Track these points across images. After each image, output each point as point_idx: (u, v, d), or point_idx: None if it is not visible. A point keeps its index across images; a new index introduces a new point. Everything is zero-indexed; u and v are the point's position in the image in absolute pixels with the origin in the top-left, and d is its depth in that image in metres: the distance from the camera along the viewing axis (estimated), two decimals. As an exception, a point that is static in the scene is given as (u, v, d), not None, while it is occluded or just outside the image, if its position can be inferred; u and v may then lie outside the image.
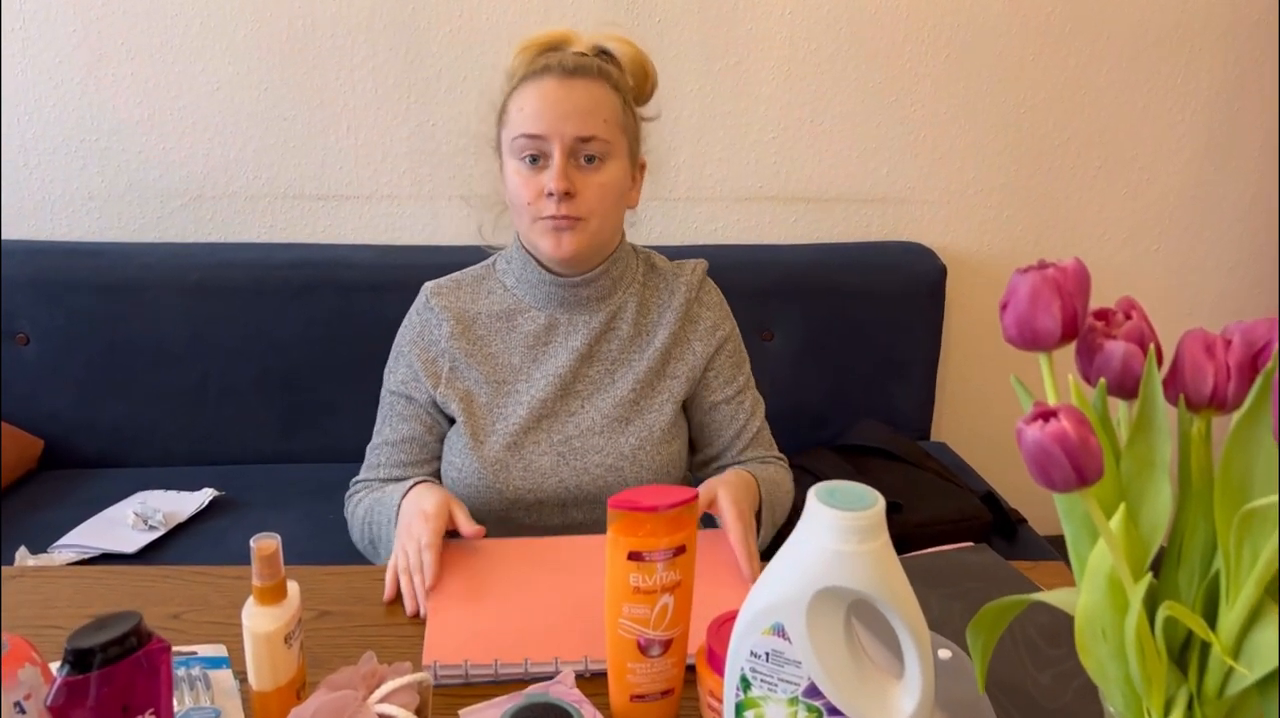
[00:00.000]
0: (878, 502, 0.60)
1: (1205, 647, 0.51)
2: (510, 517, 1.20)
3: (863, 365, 2.06)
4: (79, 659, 0.63)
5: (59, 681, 0.63)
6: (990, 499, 1.79)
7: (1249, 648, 0.48)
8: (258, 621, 0.75)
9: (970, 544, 1.08)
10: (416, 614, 0.98)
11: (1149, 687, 0.51)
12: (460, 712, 0.81)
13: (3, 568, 1.04)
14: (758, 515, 1.19)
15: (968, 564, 1.03)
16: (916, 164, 2.15)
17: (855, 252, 2.12)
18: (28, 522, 1.69)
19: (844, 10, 2.02)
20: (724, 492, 1.09)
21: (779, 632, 0.63)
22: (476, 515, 1.20)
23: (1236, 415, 0.49)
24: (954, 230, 2.20)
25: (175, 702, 0.80)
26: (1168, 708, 0.52)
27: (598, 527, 1.20)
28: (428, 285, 1.27)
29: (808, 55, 2.05)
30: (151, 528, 1.64)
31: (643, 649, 0.79)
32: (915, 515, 1.67)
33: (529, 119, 1.12)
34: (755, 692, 0.65)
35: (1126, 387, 0.52)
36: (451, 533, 1.08)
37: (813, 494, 0.61)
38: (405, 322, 1.27)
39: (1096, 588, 0.51)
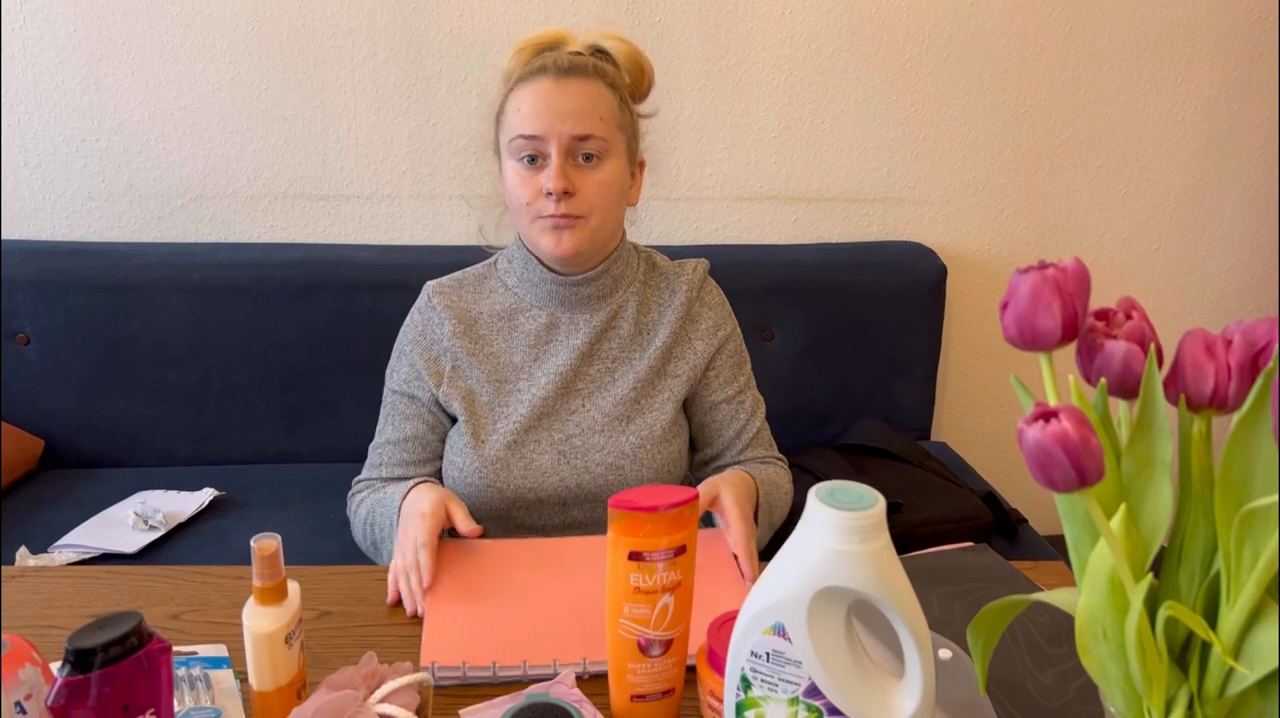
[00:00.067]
0: (878, 502, 0.60)
1: (1206, 647, 0.51)
2: (511, 515, 1.20)
3: (863, 365, 2.06)
4: (80, 659, 0.63)
5: (60, 680, 0.63)
6: (991, 499, 1.79)
7: (1249, 648, 0.48)
8: (258, 621, 0.75)
9: (971, 544, 1.08)
10: (416, 615, 0.98)
11: (1150, 687, 0.51)
12: (461, 712, 0.81)
13: (3, 568, 1.04)
14: (755, 516, 1.19)
15: (968, 564, 1.03)
16: (917, 164, 2.15)
17: (856, 251, 2.12)
18: (28, 522, 1.69)
19: (844, 10, 2.02)
20: (727, 491, 1.09)
21: (780, 632, 0.63)
22: (477, 514, 1.20)
23: (1237, 416, 0.49)
24: (954, 230, 2.20)
25: (176, 702, 0.80)
26: (1168, 708, 0.52)
27: (598, 526, 1.20)
28: (429, 285, 1.27)
29: (808, 55, 2.05)
30: (152, 528, 1.64)
31: (643, 649, 0.79)
32: (916, 515, 1.67)
33: (525, 120, 1.13)
34: (756, 692, 0.65)
35: (1127, 387, 0.52)
36: (454, 532, 1.08)
37: (813, 494, 0.61)
38: (407, 321, 1.28)
39: (1097, 588, 0.51)
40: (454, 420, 1.24)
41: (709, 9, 2.00)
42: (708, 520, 1.14)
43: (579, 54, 1.17)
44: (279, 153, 2.01)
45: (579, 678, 0.87)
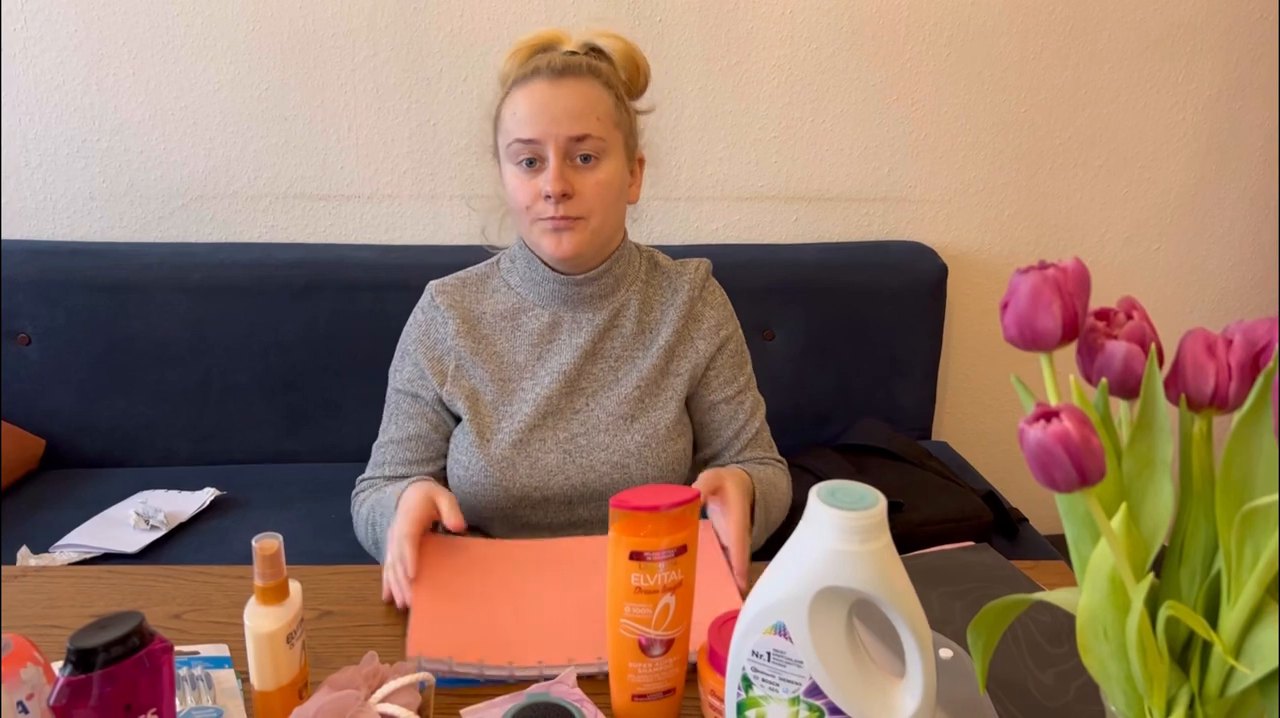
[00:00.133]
0: (879, 502, 0.60)
1: (1207, 646, 0.51)
2: (516, 514, 1.20)
3: (864, 365, 2.06)
4: (81, 659, 0.63)
5: (62, 680, 0.63)
6: (991, 498, 1.79)
7: (1250, 647, 0.48)
8: (259, 620, 0.75)
9: (971, 544, 1.08)
10: (405, 607, 0.98)
11: (1150, 686, 0.51)
12: (462, 712, 0.81)
13: (5, 568, 1.04)
14: (751, 515, 1.19)
15: (969, 564, 1.03)
16: (917, 163, 2.15)
17: (856, 251, 2.12)
18: (29, 522, 1.69)
19: (844, 10, 2.02)
20: (731, 479, 1.10)
21: (781, 631, 0.63)
22: (483, 513, 1.20)
23: (1238, 415, 0.49)
24: (955, 230, 2.20)
25: (177, 701, 0.80)
26: (1169, 707, 0.52)
27: (603, 524, 1.21)
28: (432, 284, 1.27)
29: (808, 55, 2.05)
30: (153, 528, 1.65)
31: (644, 649, 0.79)
32: (916, 515, 1.67)
33: (521, 123, 1.13)
34: (757, 691, 0.65)
35: (1128, 387, 0.52)
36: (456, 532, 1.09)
37: (814, 494, 0.61)
38: (410, 320, 1.28)
39: (1098, 588, 0.51)
40: (458, 420, 1.24)
41: (709, 8, 2.00)
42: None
43: (574, 53, 1.17)
44: (280, 153, 2.01)
45: (580, 678, 0.87)
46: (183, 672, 0.85)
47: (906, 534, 1.59)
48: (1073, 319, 0.50)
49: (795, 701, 0.64)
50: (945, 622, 0.92)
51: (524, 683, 0.87)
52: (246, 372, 1.93)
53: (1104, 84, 2.13)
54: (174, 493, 1.78)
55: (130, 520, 1.65)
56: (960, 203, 2.18)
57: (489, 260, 1.30)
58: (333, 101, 1.99)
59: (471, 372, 1.22)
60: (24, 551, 1.56)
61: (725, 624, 0.79)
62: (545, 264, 1.21)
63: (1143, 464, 0.52)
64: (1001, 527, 1.76)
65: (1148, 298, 2.28)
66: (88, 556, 1.57)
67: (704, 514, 1.13)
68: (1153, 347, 0.52)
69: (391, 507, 1.14)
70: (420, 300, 1.28)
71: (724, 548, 1.06)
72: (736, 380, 1.28)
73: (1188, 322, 2.31)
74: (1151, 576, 0.50)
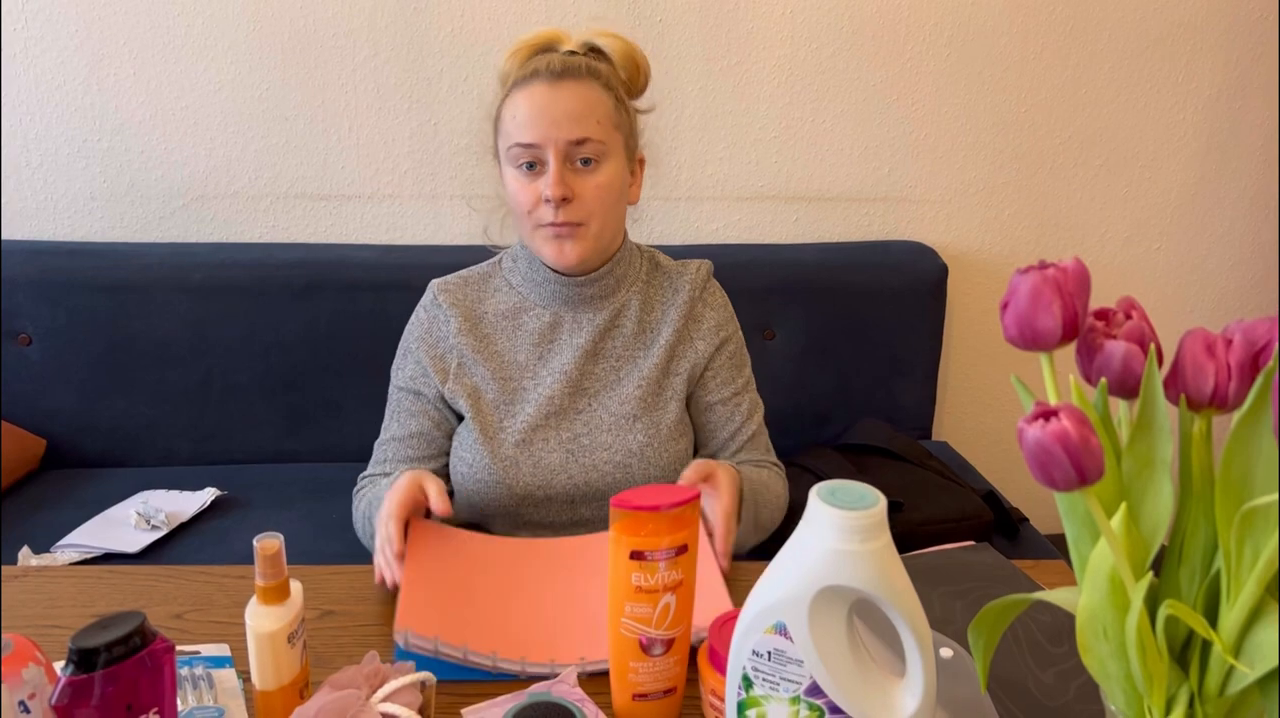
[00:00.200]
0: (879, 501, 0.61)
1: (1206, 645, 0.52)
2: (519, 513, 1.21)
3: (864, 365, 2.06)
4: (83, 659, 0.63)
5: (63, 680, 0.63)
6: (992, 498, 1.79)
7: (1250, 646, 0.49)
8: (261, 620, 0.75)
9: (972, 543, 1.08)
10: (394, 586, 0.98)
11: (1150, 685, 0.51)
12: (463, 711, 0.81)
13: (5, 568, 1.04)
14: (739, 512, 1.18)
15: (969, 563, 1.03)
16: (918, 163, 2.15)
17: (857, 251, 2.12)
18: (30, 522, 1.69)
19: (845, 9, 2.02)
20: (723, 469, 1.10)
21: (781, 631, 0.63)
22: (486, 510, 1.21)
23: (1237, 415, 0.49)
24: (955, 229, 2.20)
25: (179, 701, 0.80)
26: (1169, 706, 0.53)
27: (606, 523, 1.21)
28: (435, 283, 1.28)
29: (809, 55, 2.05)
30: (154, 528, 1.65)
31: (645, 648, 0.79)
32: (917, 514, 1.67)
33: (521, 127, 1.12)
34: (757, 691, 0.66)
35: (1127, 386, 0.52)
36: (464, 525, 1.08)
37: (815, 494, 0.61)
38: (413, 318, 1.28)
39: (1098, 587, 0.51)
40: (459, 418, 1.24)
41: (710, 9, 2.00)
42: None
43: (573, 53, 1.17)
44: (280, 153, 2.02)
45: (548, 677, 0.87)
46: (184, 672, 0.85)
47: (907, 534, 1.59)
48: (1073, 319, 0.51)
49: (796, 700, 0.64)
50: (946, 621, 0.92)
51: (510, 679, 0.87)
52: (247, 372, 1.94)
53: (1104, 84, 2.13)
54: (175, 493, 1.78)
55: (131, 521, 1.66)
56: (960, 203, 2.18)
57: (491, 260, 1.30)
58: (333, 101, 1.99)
59: (473, 370, 1.23)
60: (25, 550, 1.56)
61: (725, 624, 0.79)
62: (546, 265, 1.22)
63: (1142, 464, 0.52)
64: (1002, 526, 1.76)
65: (1148, 297, 2.28)
66: (89, 555, 1.57)
67: None
68: (1152, 347, 0.52)
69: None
70: (423, 299, 1.28)
71: (709, 533, 1.06)
72: (734, 382, 1.28)
73: (1188, 321, 2.31)
74: (1151, 575, 0.50)
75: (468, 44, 1.98)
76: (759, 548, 1.29)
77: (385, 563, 1.00)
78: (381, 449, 1.27)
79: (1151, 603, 0.52)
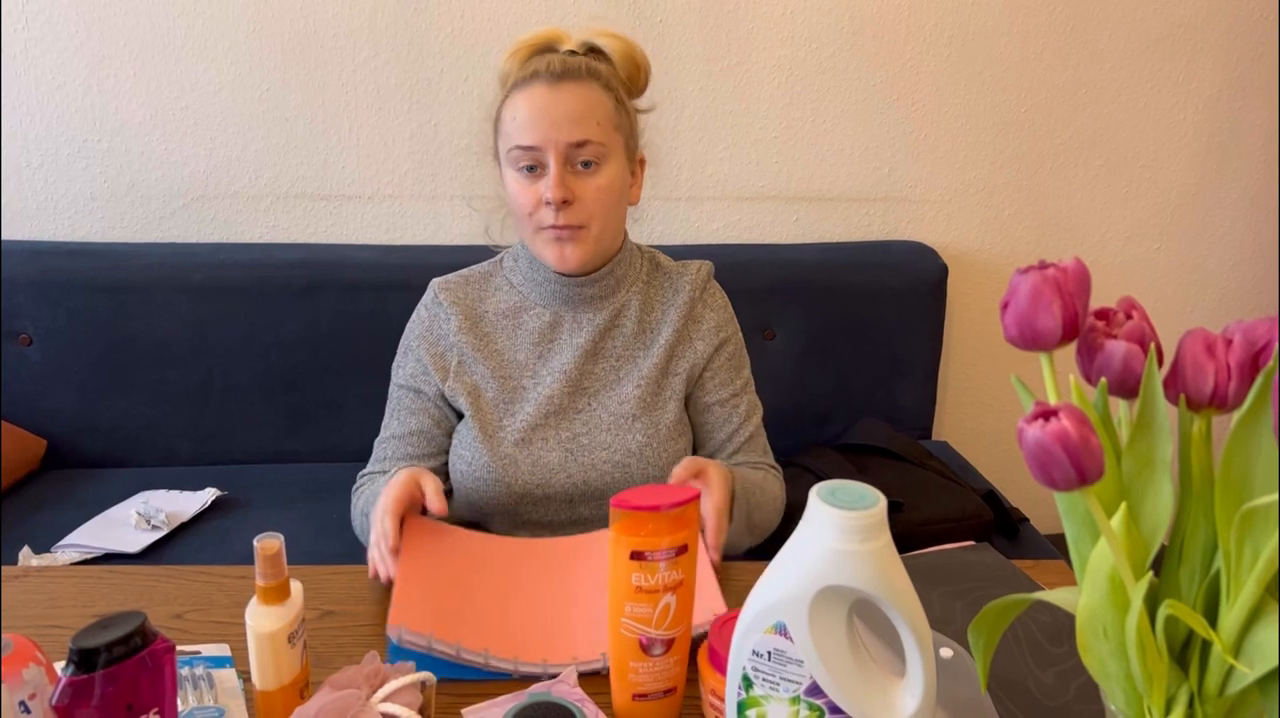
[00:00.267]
0: (879, 501, 0.61)
1: (1206, 645, 0.52)
2: (518, 511, 1.21)
3: (864, 364, 2.06)
4: (84, 659, 0.63)
5: (64, 680, 0.63)
6: (992, 498, 1.79)
7: (1250, 646, 0.49)
8: (261, 620, 0.75)
9: (972, 543, 1.08)
10: (388, 582, 0.98)
11: (1150, 685, 0.51)
12: (463, 711, 0.81)
13: (6, 568, 1.04)
14: (731, 511, 1.18)
15: (969, 563, 1.03)
16: (918, 163, 2.15)
17: (857, 251, 2.12)
18: (31, 522, 1.69)
19: (845, 10, 2.02)
20: (714, 466, 1.10)
21: (781, 631, 0.63)
22: (485, 508, 1.21)
23: (1237, 415, 0.49)
24: (955, 229, 2.20)
25: (179, 701, 0.80)
26: (1169, 706, 0.53)
27: (605, 523, 1.21)
28: (435, 281, 1.28)
29: (809, 55, 2.05)
30: (154, 528, 1.65)
31: (645, 648, 0.79)
32: (917, 514, 1.67)
33: (521, 129, 1.12)
34: (757, 691, 0.66)
35: (1127, 386, 0.52)
36: (463, 523, 1.08)
37: (815, 494, 0.61)
38: (413, 317, 1.28)
39: (1098, 587, 0.51)
40: (459, 416, 1.24)
41: (710, 9, 2.00)
42: None
43: (573, 53, 1.17)
44: (280, 153, 2.02)
45: (538, 678, 0.87)
46: (184, 672, 0.85)
47: (907, 534, 1.59)
48: (1073, 319, 0.51)
49: (796, 700, 0.64)
50: (946, 621, 0.92)
51: (509, 679, 0.87)
52: (247, 372, 1.94)
53: (1104, 84, 2.13)
54: (175, 493, 1.78)
55: (131, 521, 1.66)
56: (961, 203, 2.18)
57: (493, 259, 1.30)
58: (333, 102, 1.99)
59: (473, 368, 1.23)
60: (25, 551, 1.56)
61: (726, 624, 0.79)
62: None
63: (1142, 464, 0.52)
64: (1002, 526, 1.76)
65: (1148, 297, 2.28)
66: (89, 556, 1.57)
67: None
68: (1152, 346, 0.52)
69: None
70: (424, 297, 1.28)
71: (700, 529, 1.06)
72: (733, 383, 1.28)
73: (1188, 321, 2.31)
74: (1151, 575, 0.50)
75: (468, 44, 1.98)
76: (758, 549, 1.29)
77: (380, 558, 1.00)
78: (381, 447, 1.27)
79: (1151, 603, 0.52)
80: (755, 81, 2.06)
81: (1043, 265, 0.51)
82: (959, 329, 2.25)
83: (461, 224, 2.08)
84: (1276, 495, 0.46)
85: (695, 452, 1.30)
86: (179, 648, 0.87)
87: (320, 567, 1.06)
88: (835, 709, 0.63)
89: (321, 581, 1.03)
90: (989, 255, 2.22)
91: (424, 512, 1.09)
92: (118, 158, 1.99)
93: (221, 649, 0.90)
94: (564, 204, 1.13)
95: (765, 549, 1.24)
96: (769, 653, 0.64)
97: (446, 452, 1.25)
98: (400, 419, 1.25)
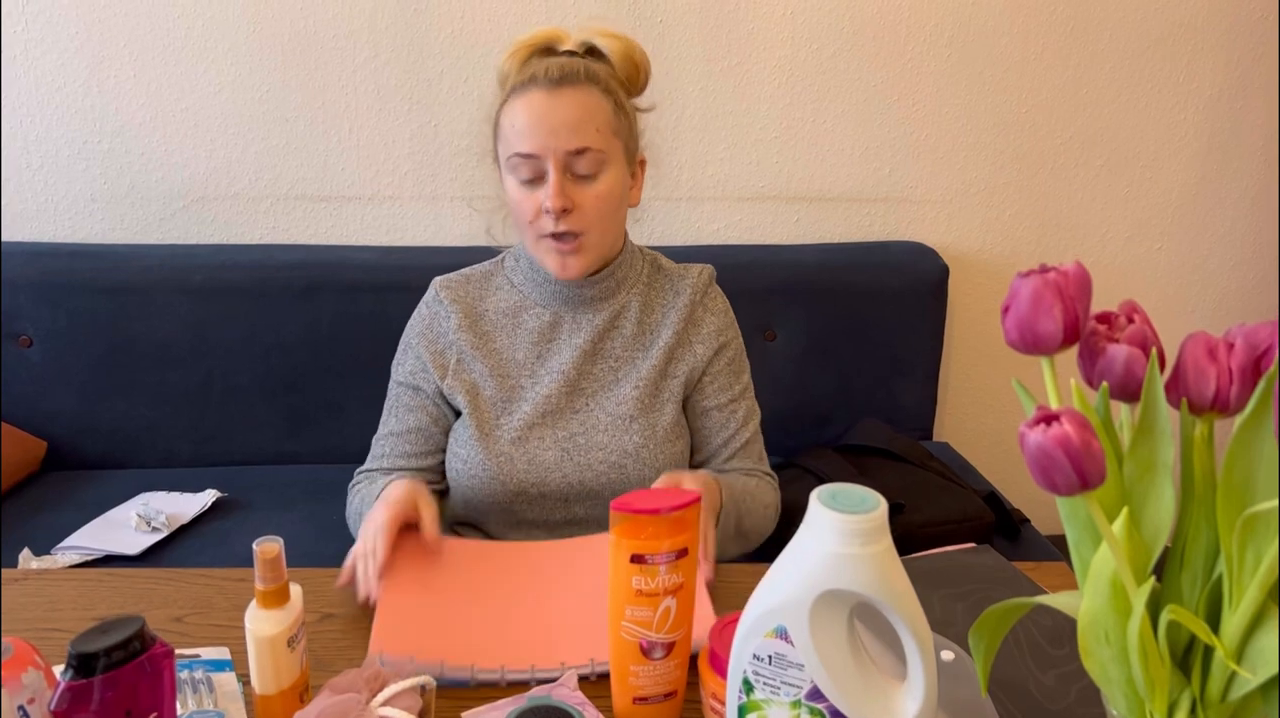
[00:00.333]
0: (880, 505, 0.60)
1: (1209, 650, 0.51)
2: (513, 509, 1.21)
3: (865, 365, 2.06)
4: (82, 664, 0.63)
5: (62, 685, 0.63)
6: (993, 499, 1.79)
7: (1252, 652, 0.48)
8: (260, 624, 0.75)
9: (973, 545, 1.08)
10: (366, 601, 0.98)
11: (1152, 690, 0.51)
12: (463, 715, 0.81)
13: (6, 571, 1.04)
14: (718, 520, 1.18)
15: (970, 565, 1.03)
16: (918, 163, 2.14)
17: (857, 251, 2.12)
18: (31, 524, 1.69)
19: (845, 10, 2.02)
20: (689, 476, 1.10)
21: (782, 635, 0.63)
22: (480, 506, 1.21)
23: (1239, 419, 0.49)
24: (956, 230, 2.20)
25: (178, 705, 0.80)
26: (1171, 712, 0.52)
27: (600, 522, 1.21)
28: (437, 280, 1.28)
29: (809, 55, 2.05)
30: (154, 530, 1.65)
31: (645, 652, 0.79)
32: (918, 516, 1.67)
33: (520, 137, 1.12)
34: (758, 695, 0.65)
35: (1129, 390, 0.52)
36: (459, 523, 1.08)
37: (815, 497, 0.61)
38: (414, 315, 1.29)
39: (1099, 592, 0.51)
40: (457, 414, 1.24)
41: (710, 9, 2.00)
42: None
43: (572, 54, 1.17)
44: (281, 154, 2.02)
45: (531, 683, 0.87)
46: (183, 675, 0.85)
47: (907, 536, 1.59)
48: (1074, 323, 0.50)
49: (796, 704, 0.64)
50: (947, 624, 0.92)
51: (488, 685, 0.87)
52: (248, 373, 1.94)
53: (1105, 84, 2.13)
54: (175, 495, 1.78)
55: (131, 522, 1.66)
56: (961, 203, 2.18)
57: (494, 258, 1.31)
58: (334, 103, 1.99)
59: (472, 366, 1.23)
60: (25, 553, 1.56)
61: (726, 627, 0.78)
62: None
63: (1144, 468, 0.52)
64: (1003, 528, 1.75)
65: (1149, 297, 2.27)
66: (89, 558, 1.57)
67: None
68: (1154, 350, 0.52)
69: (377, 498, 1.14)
70: (425, 295, 1.29)
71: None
72: (731, 389, 1.27)
73: (1189, 321, 2.30)
74: (1153, 580, 0.50)
75: (468, 45, 1.98)
76: (758, 552, 1.29)
77: (363, 575, 1.00)
78: (379, 444, 1.27)
79: (1153, 608, 0.52)
80: (756, 82, 2.06)
81: (1043, 269, 0.51)
82: (960, 330, 2.25)
83: (462, 225, 2.08)
84: (1278, 501, 0.46)
85: (692, 455, 1.30)
86: (178, 651, 0.87)
87: (320, 569, 1.06)
88: (836, 714, 0.63)
89: (321, 583, 1.03)
90: (990, 256, 2.22)
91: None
92: (118, 159, 1.99)
93: (221, 653, 0.90)
94: (563, 212, 1.12)
95: (765, 552, 1.24)
96: (770, 657, 0.64)
97: (443, 450, 1.25)
98: (398, 417, 1.26)
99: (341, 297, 1.93)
